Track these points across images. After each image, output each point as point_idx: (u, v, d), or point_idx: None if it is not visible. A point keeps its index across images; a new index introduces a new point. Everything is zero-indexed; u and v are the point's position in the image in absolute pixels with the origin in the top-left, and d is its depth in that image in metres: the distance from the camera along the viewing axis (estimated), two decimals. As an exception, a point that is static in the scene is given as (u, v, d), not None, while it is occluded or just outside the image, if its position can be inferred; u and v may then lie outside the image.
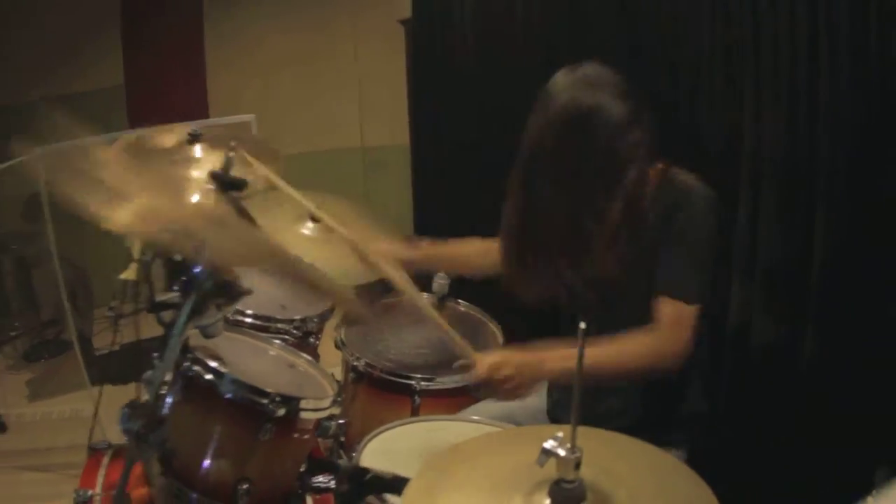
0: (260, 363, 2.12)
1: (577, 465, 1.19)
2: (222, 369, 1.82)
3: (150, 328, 5.85)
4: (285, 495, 1.95)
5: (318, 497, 2.19)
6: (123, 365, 4.90)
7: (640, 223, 1.99)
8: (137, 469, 2.33)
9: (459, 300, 3.02)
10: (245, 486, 1.82)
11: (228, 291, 1.61)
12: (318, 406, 1.93)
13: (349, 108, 6.32)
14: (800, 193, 2.34)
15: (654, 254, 2.02)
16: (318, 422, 1.96)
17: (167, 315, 1.83)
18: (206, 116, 6.09)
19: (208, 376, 1.83)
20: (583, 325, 1.24)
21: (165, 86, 6.43)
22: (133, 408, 1.62)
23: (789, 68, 2.32)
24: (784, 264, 2.41)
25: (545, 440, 1.20)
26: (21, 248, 5.71)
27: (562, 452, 1.18)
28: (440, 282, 2.67)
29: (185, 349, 1.86)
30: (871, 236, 2.18)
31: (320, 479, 1.93)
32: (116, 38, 6.48)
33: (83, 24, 6.40)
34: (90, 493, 2.35)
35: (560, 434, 1.20)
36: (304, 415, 1.90)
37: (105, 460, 2.52)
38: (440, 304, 2.68)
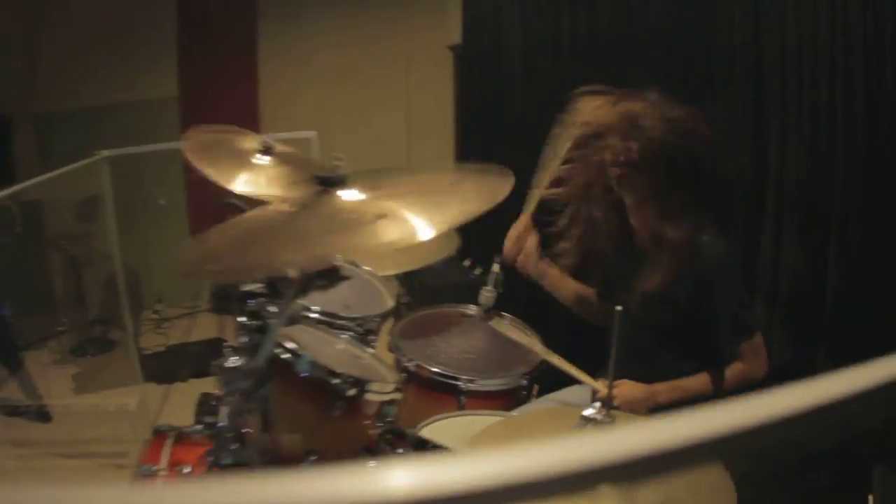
0: (330, 351, 2.34)
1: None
2: (300, 351, 2.06)
3: (199, 331, 6.12)
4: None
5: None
6: (169, 365, 5.18)
7: (687, 255, 2.33)
8: (199, 450, 2.58)
9: (504, 313, 3.23)
10: (313, 458, 2.07)
11: (330, 276, 1.88)
12: (382, 389, 2.17)
13: (397, 128, 6.49)
14: (817, 218, 2.62)
15: (683, 289, 2.36)
16: (381, 406, 2.19)
17: (254, 304, 2.12)
18: (257, 131, 6.26)
19: (286, 356, 2.06)
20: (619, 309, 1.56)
21: (218, 99, 6.61)
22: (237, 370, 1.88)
23: (810, 104, 2.59)
24: (803, 286, 2.68)
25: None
26: (72, 247, 5.94)
27: (598, 418, 1.44)
28: (487, 294, 2.73)
29: (263, 330, 2.11)
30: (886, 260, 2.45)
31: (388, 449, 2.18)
32: (172, 50, 6.74)
33: (140, 35, 6.67)
34: (154, 467, 2.57)
35: (597, 404, 1.46)
36: (369, 396, 2.14)
37: (169, 442, 2.71)
38: (486, 315, 2.76)
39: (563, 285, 2.81)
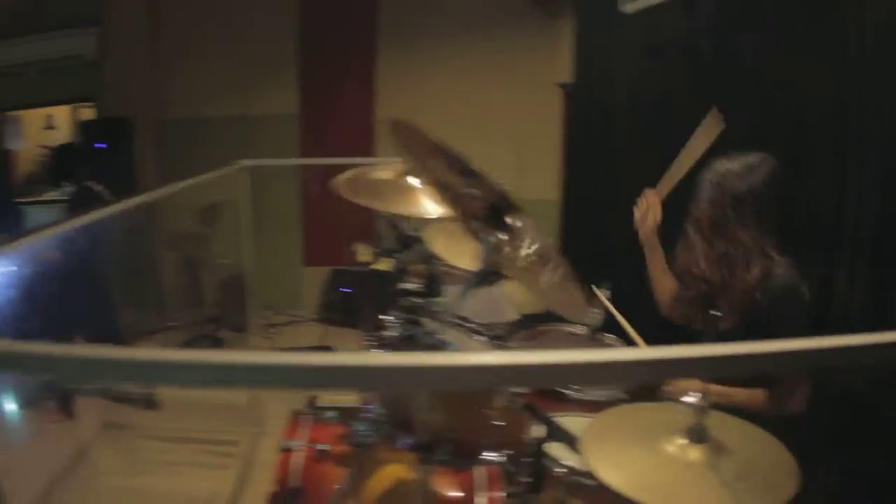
0: (467, 347, 2.72)
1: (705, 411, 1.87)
2: (446, 340, 2.48)
3: (304, 339, 6.54)
4: (476, 447, 2.58)
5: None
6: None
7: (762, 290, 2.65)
8: (338, 429, 2.97)
9: (608, 334, 3.42)
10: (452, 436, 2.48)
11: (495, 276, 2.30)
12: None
13: (505, 159, 6.71)
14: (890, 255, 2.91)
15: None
16: (510, 396, 2.59)
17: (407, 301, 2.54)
18: (372, 153, 6.75)
19: (433, 342, 2.48)
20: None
21: (336, 117, 7.10)
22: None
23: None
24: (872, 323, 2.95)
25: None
26: (191, 249, 6.43)
27: (695, 402, 1.86)
28: (594, 315, 2.94)
29: (418, 323, 2.53)
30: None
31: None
32: (293, 69, 7.24)
33: (263, 53, 7.24)
34: (296, 442, 2.97)
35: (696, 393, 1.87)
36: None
37: (308, 421, 3.10)
38: (593, 335, 3.04)
39: (663, 270, 3.15)
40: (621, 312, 3.00)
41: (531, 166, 6.76)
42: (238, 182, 4.97)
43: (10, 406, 4.34)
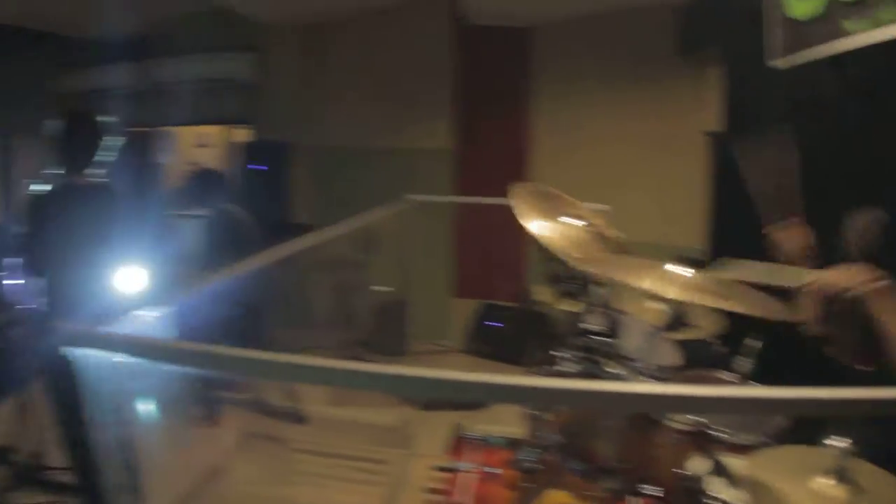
0: None
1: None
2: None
3: (453, 368, 6.74)
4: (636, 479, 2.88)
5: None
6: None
7: None
8: (504, 454, 3.27)
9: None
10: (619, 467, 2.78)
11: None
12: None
13: (650, 205, 6.90)
14: None
15: None
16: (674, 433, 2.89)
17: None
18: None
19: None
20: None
21: (489, 155, 7.39)
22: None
23: None
24: None
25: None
26: (345, 274, 6.83)
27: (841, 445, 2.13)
28: (743, 363, 3.18)
29: (595, 361, 2.85)
30: None
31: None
32: (448, 105, 7.57)
33: (419, 88, 7.62)
34: (465, 464, 3.29)
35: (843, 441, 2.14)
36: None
37: (474, 445, 3.37)
38: (742, 381, 3.23)
39: None
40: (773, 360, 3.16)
41: (677, 214, 6.85)
42: (401, 215, 5.25)
43: (158, 409, 4.64)
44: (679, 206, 6.93)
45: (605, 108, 7.19)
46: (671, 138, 7.05)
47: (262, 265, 2.57)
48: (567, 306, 3.50)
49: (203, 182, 5.89)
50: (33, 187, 5.56)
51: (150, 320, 1.90)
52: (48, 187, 4.12)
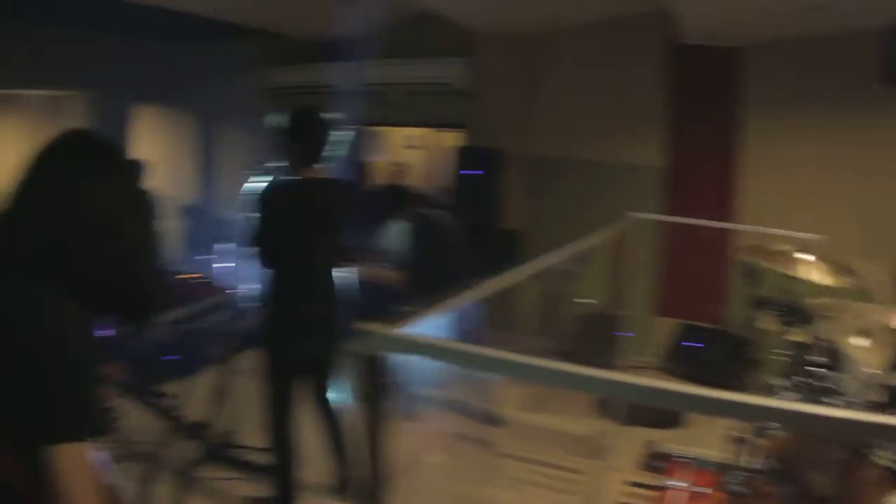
0: None
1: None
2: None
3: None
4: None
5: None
6: (654, 411, 5.64)
7: None
8: (712, 475, 3.40)
9: None
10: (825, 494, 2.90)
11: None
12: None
13: (853, 235, 6.60)
14: None
15: None
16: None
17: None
18: (730, 219, 7.04)
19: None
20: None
21: (700, 177, 7.43)
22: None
23: None
24: None
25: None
26: (554, 283, 7.05)
27: None
28: None
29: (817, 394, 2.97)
30: None
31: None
32: (661, 124, 7.63)
33: (633, 105, 7.72)
34: (678, 482, 3.44)
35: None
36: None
37: (681, 467, 3.50)
38: None
39: None
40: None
41: (881, 248, 6.47)
42: (621, 231, 5.17)
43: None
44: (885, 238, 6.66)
45: (815, 131, 7.04)
46: (881, 168, 6.84)
47: (508, 284, 2.73)
48: (790, 335, 3.59)
49: (389, 197, 6.06)
50: (254, 178, 5.82)
51: (432, 324, 1.88)
52: (274, 180, 4.23)
